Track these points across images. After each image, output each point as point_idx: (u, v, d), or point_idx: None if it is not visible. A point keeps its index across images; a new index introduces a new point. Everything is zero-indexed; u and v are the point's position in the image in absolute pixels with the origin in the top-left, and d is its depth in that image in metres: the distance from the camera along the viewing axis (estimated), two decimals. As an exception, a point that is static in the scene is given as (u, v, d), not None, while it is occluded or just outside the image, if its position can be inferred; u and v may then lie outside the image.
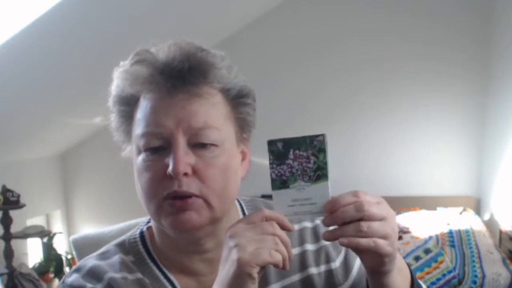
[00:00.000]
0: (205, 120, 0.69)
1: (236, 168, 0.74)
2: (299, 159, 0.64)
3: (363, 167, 4.10)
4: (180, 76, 0.68)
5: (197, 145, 0.69)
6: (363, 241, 0.60)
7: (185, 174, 0.67)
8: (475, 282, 2.49)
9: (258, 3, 4.07)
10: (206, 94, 0.69)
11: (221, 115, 0.71)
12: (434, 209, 3.86)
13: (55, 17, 2.31)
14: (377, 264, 0.64)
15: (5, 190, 3.28)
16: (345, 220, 0.61)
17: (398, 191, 4.12)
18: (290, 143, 0.64)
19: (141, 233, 0.80)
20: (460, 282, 2.52)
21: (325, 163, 0.63)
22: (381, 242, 0.60)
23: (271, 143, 0.64)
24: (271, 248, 0.59)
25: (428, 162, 4.11)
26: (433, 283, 2.52)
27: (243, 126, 0.75)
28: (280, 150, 0.64)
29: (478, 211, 3.95)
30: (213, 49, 0.73)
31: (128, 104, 0.73)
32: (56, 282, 3.85)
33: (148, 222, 0.83)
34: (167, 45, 0.71)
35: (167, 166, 0.67)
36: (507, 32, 3.57)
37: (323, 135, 0.63)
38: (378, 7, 4.08)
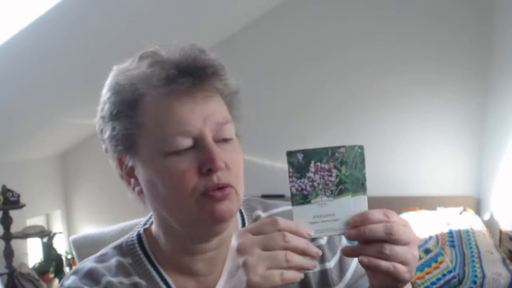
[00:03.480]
0: (224, 116, 0.71)
1: None
2: (320, 172, 0.60)
3: (363, 167, 4.09)
4: (197, 75, 0.69)
5: (221, 140, 0.71)
6: (383, 264, 0.58)
7: (221, 168, 0.69)
8: (475, 282, 2.49)
9: (258, 3, 4.08)
10: (215, 93, 0.72)
11: (227, 111, 0.74)
12: (434, 209, 3.86)
13: (55, 17, 2.31)
14: (388, 287, 0.63)
15: (5, 190, 3.28)
16: (370, 238, 0.59)
17: (398, 191, 4.12)
18: (310, 155, 0.60)
19: (139, 235, 0.81)
20: (460, 282, 2.52)
21: (347, 176, 0.60)
22: (400, 267, 0.59)
23: (290, 154, 0.60)
24: (283, 267, 0.55)
25: (428, 162, 4.11)
26: (433, 283, 2.52)
27: (236, 124, 0.77)
28: (300, 162, 0.59)
29: (478, 211, 3.96)
30: (210, 52, 0.74)
31: (134, 109, 0.70)
32: (56, 282, 3.85)
33: (145, 224, 0.83)
34: (173, 46, 0.71)
35: (200, 164, 0.68)
36: (507, 32, 3.57)
37: (344, 146, 0.61)
38: (377, 8, 4.08)
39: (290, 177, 0.60)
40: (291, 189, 0.60)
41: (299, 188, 0.60)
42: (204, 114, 0.69)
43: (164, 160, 0.69)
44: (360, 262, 0.59)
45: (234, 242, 0.58)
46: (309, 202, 0.60)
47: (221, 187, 0.69)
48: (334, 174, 0.60)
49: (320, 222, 0.60)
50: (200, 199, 0.69)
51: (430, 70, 4.03)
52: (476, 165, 4.07)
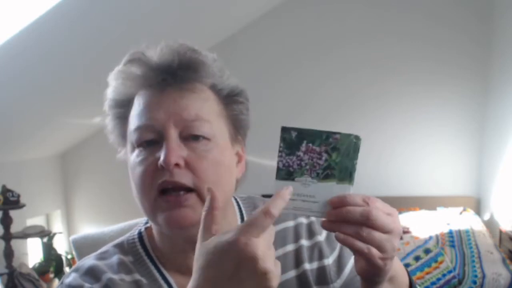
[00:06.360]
0: (196, 113, 0.70)
1: (230, 165, 0.75)
2: (310, 153, 0.60)
3: (363, 167, 4.05)
4: (171, 72, 0.70)
5: (189, 138, 0.70)
6: (358, 244, 0.58)
7: (177, 165, 0.68)
8: (475, 282, 2.49)
9: (258, 3, 4.08)
10: (197, 90, 0.71)
11: (213, 111, 0.72)
12: (434, 209, 3.86)
13: (55, 17, 2.31)
14: (366, 272, 0.63)
15: (5, 190, 3.28)
16: (347, 220, 0.59)
17: (398, 191, 4.12)
18: (304, 134, 0.60)
19: (140, 233, 0.81)
20: (460, 282, 2.52)
21: (337, 163, 0.60)
22: (375, 251, 0.59)
23: (285, 130, 0.60)
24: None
25: (428, 162, 4.11)
26: (433, 283, 2.52)
27: (236, 125, 0.76)
28: (292, 139, 0.60)
29: (478, 211, 3.96)
30: (205, 51, 0.74)
31: (122, 106, 0.74)
32: (56, 282, 3.85)
33: (147, 222, 0.83)
34: (159, 47, 0.73)
35: (158, 159, 0.68)
36: (507, 32, 3.57)
37: (340, 133, 0.60)
38: (377, 8, 4.08)
39: (279, 151, 0.60)
40: (278, 163, 0.60)
41: (286, 164, 0.60)
42: (171, 110, 0.69)
43: (133, 153, 0.72)
44: (336, 237, 0.59)
45: (248, 249, 0.52)
46: (292, 179, 0.60)
47: (176, 191, 0.68)
48: (323, 158, 0.60)
49: (300, 200, 0.60)
50: (157, 200, 0.69)
51: (430, 70, 4.02)
52: (476, 165, 4.07)
